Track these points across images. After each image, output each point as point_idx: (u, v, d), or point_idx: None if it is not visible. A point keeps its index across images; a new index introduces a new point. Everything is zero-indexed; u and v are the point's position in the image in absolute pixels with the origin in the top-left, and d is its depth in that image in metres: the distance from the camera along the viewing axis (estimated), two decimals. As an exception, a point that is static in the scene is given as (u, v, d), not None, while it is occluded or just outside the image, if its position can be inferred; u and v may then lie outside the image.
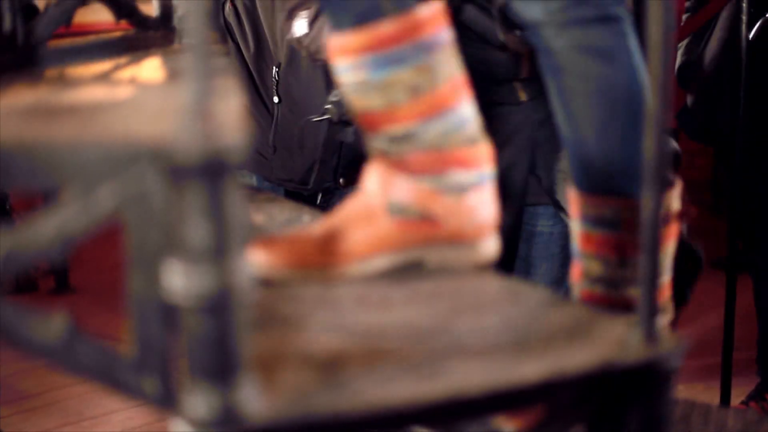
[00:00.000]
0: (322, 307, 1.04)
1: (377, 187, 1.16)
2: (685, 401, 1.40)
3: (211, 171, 0.77)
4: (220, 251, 0.78)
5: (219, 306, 0.78)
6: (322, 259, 1.13)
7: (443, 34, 1.14)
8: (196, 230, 0.78)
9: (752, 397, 2.95)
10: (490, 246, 1.17)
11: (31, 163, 0.86)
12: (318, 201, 2.64)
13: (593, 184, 1.26)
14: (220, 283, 0.78)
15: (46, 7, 1.40)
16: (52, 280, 4.45)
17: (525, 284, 1.17)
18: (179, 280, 0.79)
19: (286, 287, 1.09)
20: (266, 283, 1.07)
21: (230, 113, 0.85)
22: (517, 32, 1.89)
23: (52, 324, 0.86)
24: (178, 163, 0.78)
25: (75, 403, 3.34)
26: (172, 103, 0.95)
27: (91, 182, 0.82)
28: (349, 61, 1.13)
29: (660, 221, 0.95)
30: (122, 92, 1.13)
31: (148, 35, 1.55)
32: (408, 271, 1.14)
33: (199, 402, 0.79)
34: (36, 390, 3.40)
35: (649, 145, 0.94)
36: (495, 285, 1.13)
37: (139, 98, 1.07)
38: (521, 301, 1.08)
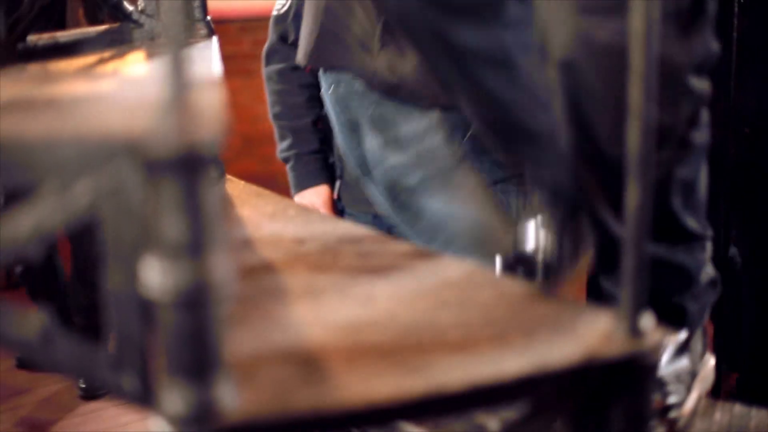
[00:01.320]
0: (303, 302, 1.03)
1: None
2: (672, 395, 1.39)
3: (187, 165, 0.76)
4: (196, 246, 0.77)
5: (196, 301, 0.78)
6: None
7: None
8: (173, 225, 0.77)
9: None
10: None
11: (7, 158, 0.85)
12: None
13: None
14: (197, 278, 0.77)
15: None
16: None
17: (508, 278, 1.16)
18: (156, 276, 0.78)
19: (267, 281, 1.09)
20: (246, 276, 1.07)
21: (208, 107, 0.84)
22: None
23: (30, 321, 0.85)
24: (154, 158, 0.77)
25: (66, 399, 3.34)
26: (150, 97, 0.94)
27: (67, 177, 0.81)
28: None
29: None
30: (101, 86, 1.12)
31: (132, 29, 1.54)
32: (391, 266, 1.13)
33: (176, 399, 0.78)
34: (27, 386, 3.40)
35: (633, 138, 0.93)
36: (478, 279, 1.12)
37: (118, 92, 1.07)
38: (504, 295, 1.07)
